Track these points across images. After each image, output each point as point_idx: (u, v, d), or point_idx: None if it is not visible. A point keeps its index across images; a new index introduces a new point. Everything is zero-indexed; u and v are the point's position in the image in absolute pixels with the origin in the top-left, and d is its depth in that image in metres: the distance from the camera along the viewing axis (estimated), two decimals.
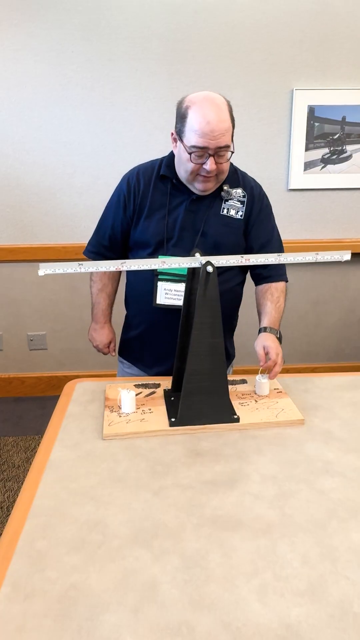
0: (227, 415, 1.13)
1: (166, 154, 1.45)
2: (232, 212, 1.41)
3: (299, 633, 0.64)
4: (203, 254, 1.14)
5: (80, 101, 2.49)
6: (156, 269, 1.36)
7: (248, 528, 0.81)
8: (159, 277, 1.38)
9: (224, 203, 1.40)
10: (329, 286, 2.93)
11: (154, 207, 1.39)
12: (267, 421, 1.13)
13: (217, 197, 1.39)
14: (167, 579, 0.71)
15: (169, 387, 1.28)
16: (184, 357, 1.14)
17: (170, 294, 1.39)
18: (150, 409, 1.18)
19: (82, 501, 0.88)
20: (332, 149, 2.61)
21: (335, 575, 0.72)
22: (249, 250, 1.46)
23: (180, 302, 1.36)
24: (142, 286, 1.43)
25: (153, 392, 1.27)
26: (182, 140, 1.28)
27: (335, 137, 2.60)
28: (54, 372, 2.98)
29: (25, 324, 2.87)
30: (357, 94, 2.54)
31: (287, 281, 1.56)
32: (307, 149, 2.60)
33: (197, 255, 1.13)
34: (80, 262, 1.09)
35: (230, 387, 1.25)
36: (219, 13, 2.40)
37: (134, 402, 1.18)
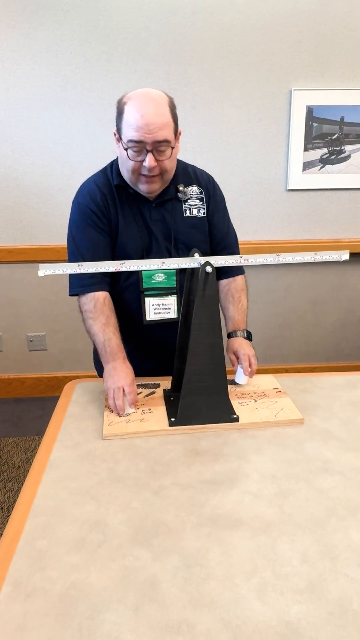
0: (226, 414, 1.14)
1: None
2: (195, 212, 1.38)
3: (299, 630, 0.64)
4: (202, 254, 1.14)
5: (78, 102, 2.49)
6: (142, 286, 1.33)
7: (247, 527, 0.82)
8: (145, 293, 1.34)
9: (184, 204, 1.37)
10: (328, 286, 2.93)
11: (127, 221, 1.34)
12: (266, 421, 1.14)
13: (176, 199, 1.36)
14: (167, 578, 0.72)
15: (169, 387, 1.28)
16: (184, 357, 1.14)
17: (159, 309, 1.36)
18: (150, 409, 1.19)
19: (82, 501, 0.88)
20: (330, 149, 2.62)
21: (334, 573, 0.73)
22: (211, 244, 1.43)
23: (169, 315, 1.36)
24: (130, 306, 1.39)
25: (153, 392, 1.27)
26: (121, 138, 1.25)
27: (334, 137, 2.60)
28: (54, 372, 2.98)
29: (25, 325, 2.88)
30: (355, 94, 2.55)
31: (243, 273, 1.51)
32: (305, 150, 2.61)
33: (196, 255, 1.13)
34: (80, 263, 1.10)
35: (229, 387, 1.26)
36: (217, 14, 2.41)
37: (127, 404, 1.19)
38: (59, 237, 2.70)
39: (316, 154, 2.62)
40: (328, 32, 2.47)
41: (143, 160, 1.21)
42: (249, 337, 1.43)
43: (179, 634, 0.63)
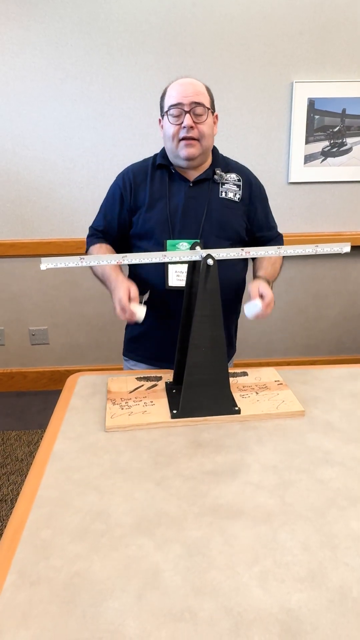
0: (228, 407, 1.14)
1: None
2: (230, 195, 1.45)
3: (299, 618, 0.65)
4: (206, 246, 1.15)
5: (79, 95, 2.49)
6: (165, 251, 1.38)
7: (249, 516, 0.83)
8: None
9: (221, 187, 1.45)
10: (329, 280, 2.93)
11: (155, 197, 1.43)
12: (267, 413, 1.14)
13: (213, 182, 1.45)
14: (170, 567, 0.73)
15: (171, 380, 1.29)
16: (185, 350, 1.15)
17: (182, 276, 1.40)
18: (152, 402, 1.19)
19: (85, 491, 0.89)
20: (332, 141, 2.61)
21: (334, 562, 0.74)
22: (248, 232, 1.51)
23: None
24: (152, 271, 1.44)
25: (155, 385, 1.28)
26: (162, 115, 1.39)
27: (336, 129, 2.59)
28: (56, 366, 2.99)
29: (27, 319, 2.88)
30: (357, 86, 2.54)
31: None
32: (307, 142, 2.60)
33: (198, 248, 1.14)
34: (82, 257, 1.10)
35: (231, 379, 1.26)
36: (217, 5, 2.40)
37: (138, 306, 1.23)
38: (61, 231, 2.70)
39: (318, 146, 2.61)
40: (329, 23, 2.46)
41: (181, 124, 1.34)
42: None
43: (181, 620, 0.64)
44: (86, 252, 1.55)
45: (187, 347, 1.13)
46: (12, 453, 2.37)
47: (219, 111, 2.54)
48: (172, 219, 1.42)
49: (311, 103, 2.54)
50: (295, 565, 0.73)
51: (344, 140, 2.62)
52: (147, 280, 1.48)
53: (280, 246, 1.17)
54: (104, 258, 1.12)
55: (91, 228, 1.58)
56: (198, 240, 1.38)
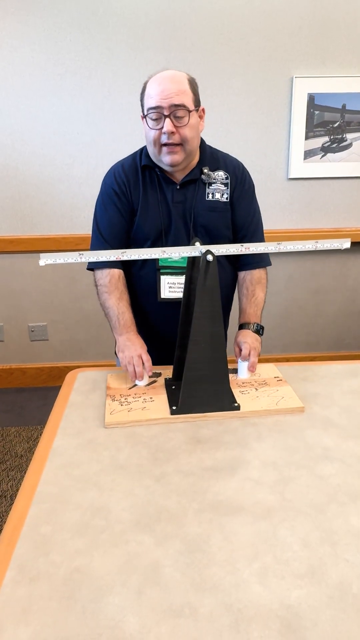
0: (227, 403, 1.14)
1: None
2: (218, 196, 1.39)
3: (299, 614, 0.65)
4: (203, 243, 1.14)
5: (78, 90, 2.47)
6: (158, 264, 1.38)
7: (249, 513, 0.83)
8: (161, 271, 1.38)
9: (208, 187, 1.38)
10: (329, 276, 2.93)
11: (148, 202, 1.37)
12: (267, 409, 1.14)
13: (200, 182, 1.38)
14: (170, 563, 0.73)
15: (170, 376, 1.29)
16: (185, 346, 1.15)
17: (174, 287, 1.38)
18: (151, 398, 1.19)
19: (85, 487, 0.89)
20: (332, 137, 2.60)
21: (334, 558, 0.74)
22: (234, 232, 1.44)
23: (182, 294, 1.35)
24: (145, 283, 1.42)
25: (154, 381, 1.28)
26: (143, 115, 1.29)
27: (336, 125, 2.58)
28: (55, 362, 2.99)
29: (26, 315, 2.88)
30: (357, 81, 2.53)
31: (268, 265, 1.50)
32: (307, 138, 2.59)
33: (197, 244, 1.13)
34: (81, 252, 1.10)
35: (230, 375, 1.26)
36: (217, 0, 2.38)
37: (147, 376, 1.26)
38: (60, 227, 2.69)
39: (317, 142, 2.61)
40: (330, 18, 2.44)
41: (162, 128, 1.24)
42: (258, 331, 1.40)
43: (181, 616, 0.64)
44: (99, 296, 1.42)
45: (186, 343, 1.13)
46: (11, 449, 2.37)
47: (218, 107, 2.55)
48: (165, 226, 1.37)
49: (311, 98, 2.53)
50: (295, 562, 0.73)
51: (344, 135, 2.61)
52: (140, 291, 1.44)
53: (279, 242, 1.16)
54: (103, 254, 1.12)
55: (93, 245, 1.43)
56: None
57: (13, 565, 0.72)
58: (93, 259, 1.13)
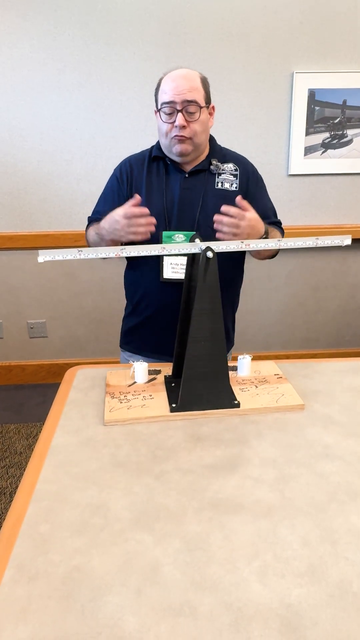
0: (227, 400, 1.14)
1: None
2: (227, 185, 1.44)
3: (299, 613, 0.65)
4: (203, 239, 1.14)
5: (77, 86, 2.46)
6: (161, 244, 1.37)
7: (249, 511, 0.82)
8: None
9: (217, 177, 1.44)
10: (329, 272, 2.92)
11: (151, 189, 1.43)
12: (267, 406, 1.14)
13: (209, 173, 1.45)
14: (169, 561, 0.72)
15: (170, 374, 1.28)
16: (184, 343, 1.14)
17: (176, 268, 1.42)
18: (151, 395, 1.19)
19: (84, 486, 0.89)
20: (332, 133, 2.59)
21: (334, 557, 0.73)
22: None
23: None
24: (147, 263, 1.45)
25: (154, 379, 1.28)
26: (157, 110, 1.38)
27: (336, 121, 2.57)
28: (55, 359, 2.99)
29: (25, 312, 2.87)
30: (358, 77, 2.52)
31: (282, 233, 1.56)
32: (307, 134, 2.58)
33: (197, 241, 1.12)
34: (80, 249, 1.09)
35: (230, 372, 1.26)
36: None
37: (147, 372, 1.25)
38: (59, 224, 2.69)
39: (318, 138, 2.59)
40: (330, 13, 2.43)
41: (174, 122, 1.33)
42: (266, 231, 1.35)
43: (180, 615, 0.64)
44: (87, 242, 1.52)
45: (186, 340, 1.12)
46: (10, 446, 2.37)
47: (219, 103, 2.52)
48: (169, 211, 1.42)
49: (311, 94, 2.52)
50: (295, 560, 0.73)
51: (345, 131, 2.59)
52: (142, 271, 1.48)
53: (280, 239, 1.15)
54: (102, 250, 1.11)
55: (90, 218, 1.56)
56: (194, 232, 1.35)
57: (12, 564, 0.72)
58: (92, 255, 1.12)
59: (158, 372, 1.31)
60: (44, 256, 1.08)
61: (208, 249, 1.06)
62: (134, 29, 2.39)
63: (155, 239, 1.39)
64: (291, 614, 0.64)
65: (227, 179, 1.45)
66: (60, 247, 2.80)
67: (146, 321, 1.54)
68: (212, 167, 1.43)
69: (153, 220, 1.26)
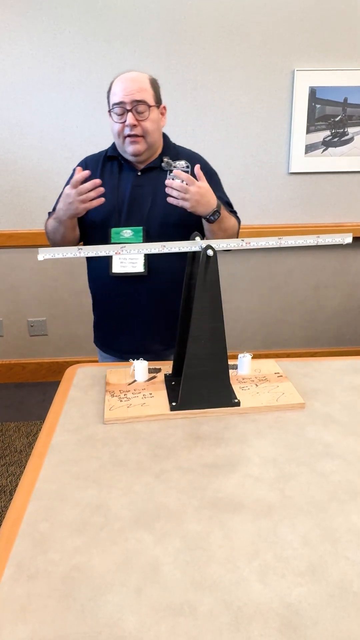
0: (227, 399, 1.14)
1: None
2: (178, 181, 1.41)
3: (300, 612, 0.64)
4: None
5: (77, 83, 2.45)
6: (110, 241, 1.44)
7: (249, 510, 0.82)
8: None
9: (169, 174, 1.45)
10: (330, 271, 2.92)
11: (104, 187, 1.41)
12: (267, 405, 1.13)
13: (161, 170, 1.47)
14: (169, 560, 0.72)
15: (170, 372, 1.28)
16: (185, 342, 1.14)
17: (125, 262, 1.44)
18: (151, 394, 1.19)
19: (84, 484, 0.88)
20: (333, 131, 2.58)
21: (335, 556, 0.73)
22: (200, 219, 1.47)
23: (135, 269, 1.45)
24: (97, 258, 1.47)
25: (154, 377, 1.27)
26: (109, 111, 1.44)
27: (337, 119, 2.57)
28: (55, 358, 2.98)
29: (26, 310, 2.87)
30: (359, 74, 2.50)
31: (239, 221, 1.56)
32: (308, 132, 2.58)
33: (197, 239, 1.12)
34: (80, 247, 1.09)
35: (230, 371, 1.25)
36: None
37: (147, 370, 1.25)
38: None
39: (319, 136, 2.59)
40: (331, 10, 2.42)
41: (125, 121, 1.39)
42: (218, 208, 1.37)
43: (180, 614, 0.64)
44: (46, 234, 1.59)
45: (186, 338, 1.12)
46: (10, 444, 2.37)
47: (219, 101, 2.53)
48: (119, 208, 1.46)
49: (312, 92, 2.51)
50: (295, 560, 0.72)
51: (346, 129, 2.59)
52: (92, 265, 1.53)
53: (280, 237, 1.15)
54: (101, 249, 1.11)
55: (50, 213, 1.59)
56: (141, 227, 1.43)
57: (11, 563, 0.72)
58: (92, 254, 1.12)
59: (158, 370, 1.31)
60: (44, 254, 1.07)
61: (208, 247, 1.06)
62: (134, 27, 2.38)
63: (104, 235, 1.44)
64: (291, 614, 0.64)
65: (179, 176, 1.43)
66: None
67: (100, 319, 1.59)
68: (163, 164, 1.46)
69: (98, 181, 1.30)
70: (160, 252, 1.12)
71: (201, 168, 1.46)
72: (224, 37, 2.42)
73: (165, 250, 1.12)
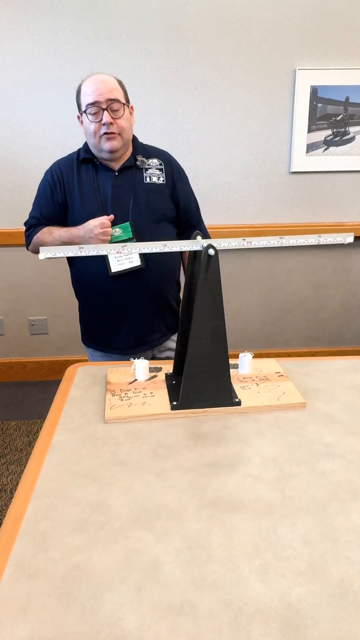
0: (228, 398, 1.13)
1: (164, 136, 1.47)
2: (155, 179, 1.53)
3: (300, 612, 0.64)
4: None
5: (78, 82, 2.44)
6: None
7: (249, 509, 0.82)
8: None
9: (145, 172, 1.53)
10: (330, 270, 2.91)
11: (84, 191, 1.50)
12: (268, 404, 1.13)
13: (136, 169, 1.53)
14: (169, 559, 0.72)
15: (170, 371, 1.28)
16: (186, 341, 1.14)
17: (122, 259, 1.47)
18: (151, 393, 1.18)
19: (84, 483, 0.88)
20: (335, 130, 2.58)
21: (335, 556, 0.73)
22: (179, 209, 1.59)
23: (133, 264, 1.48)
24: (92, 261, 1.49)
25: (154, 376, 1.27)
26: (81, 113, 1.48)
27: (338, 118, 2.56)
28: (55, 356, 2.98)
29: (26, 309, 2.87)
30: None
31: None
32: (309, 131, 2.57)
33: (199, 238, 1.12)
34: (81, 246, 1.08)
35: (231, 370, 1.25)
36: None
37: (147, 369, 1.25)
38: None
39: (320, 135, 2.58)
40: (333, 9, 2.41)
41: (101, 120, 1.42)
42: None
43: (180, 614, 0.64)
44: (27, 246, 1.61)
45: (187, 338, 1.12)
46: (11, 443, 2.37)
47: (220, 100, 2.52)
48: (104, 209, 1.48)
49: (314, 91, 2.51)
50: (295, 559, 0.72)
51: (347, 129, 2.58)
52: (88, 268, 1.53)
53: (282, 236, 1.15)
54: (103, 248, 1.11)
55: (27, 223, 1.61)
56: (128, 222, 1.46)
57: (12, 562, 0.72)
58: (93, 253, 1.11)
59: (159, 369, 1.31)
60: (45, 253, 1.07)
61: (210, 246, 1.06)
62: (135, 25, 2.38)
63: None
64: (291, 613, 0.64)
65: (154, 173, 1.53)
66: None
67: (99, 317, 1.60)
68: (138, 162, 1.52)
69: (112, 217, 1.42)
70: (161, 251, 1.12)
71: (174, 167, 1.58)
72: (225, 36, 2.42)
73: (167, 249, 1.12)
